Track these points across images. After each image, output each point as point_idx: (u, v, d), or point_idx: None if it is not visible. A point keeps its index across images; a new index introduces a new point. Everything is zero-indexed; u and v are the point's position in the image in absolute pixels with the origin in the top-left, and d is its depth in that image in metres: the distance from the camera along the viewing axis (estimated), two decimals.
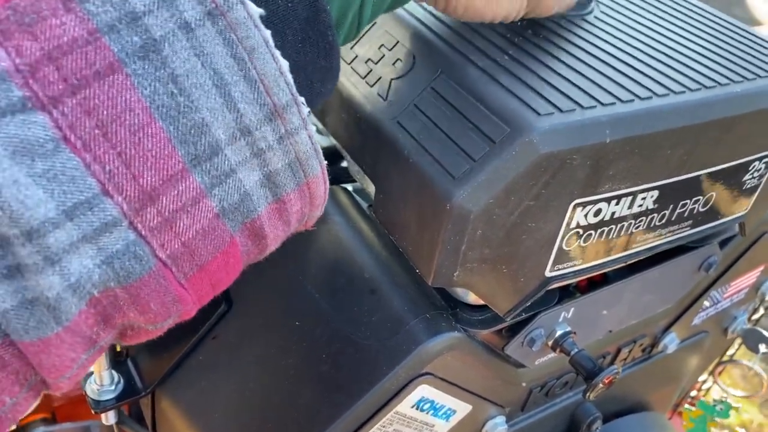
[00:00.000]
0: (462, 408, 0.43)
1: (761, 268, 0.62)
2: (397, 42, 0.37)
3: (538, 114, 0.31)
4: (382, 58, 0.37)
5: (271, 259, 0.44)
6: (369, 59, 0.38)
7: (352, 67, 0.38)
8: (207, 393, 0.44)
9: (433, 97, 0.34)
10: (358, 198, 0.47)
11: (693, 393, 0.80)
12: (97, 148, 0.19)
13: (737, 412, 1.51)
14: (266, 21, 0.22)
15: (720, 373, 0.74)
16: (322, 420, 0.38)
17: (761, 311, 0.76)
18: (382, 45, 0.38)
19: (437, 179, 0.32)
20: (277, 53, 0.22)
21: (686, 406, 0.71)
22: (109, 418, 0.45)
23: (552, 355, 0.45)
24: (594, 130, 0.31)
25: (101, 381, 0.43)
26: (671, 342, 0.57)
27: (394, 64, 0.37)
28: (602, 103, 0.32)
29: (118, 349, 0.47)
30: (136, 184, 0.20)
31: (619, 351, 0.53)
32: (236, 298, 0.45)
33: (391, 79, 0.36)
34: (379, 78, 0.37)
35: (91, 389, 0.44)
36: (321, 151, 0.25)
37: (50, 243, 0.19)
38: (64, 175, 0.19)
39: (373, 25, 0.39)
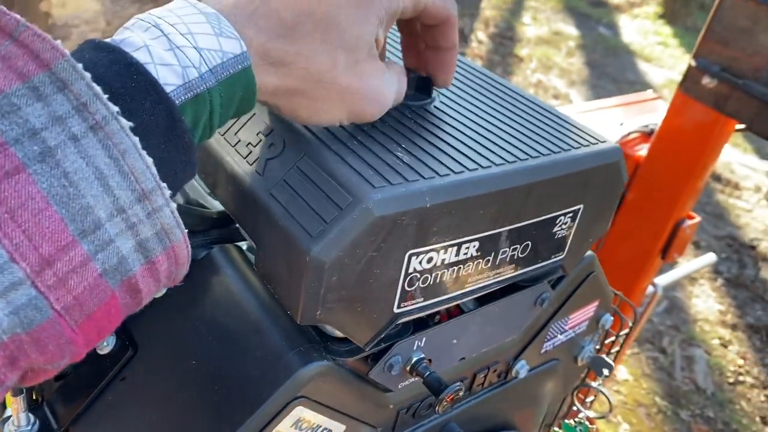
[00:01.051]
0: (337, 428, 0.51)
1: (596, 303, 0.74)
2: (272, 130, 0.47)
3: (374, 186, 0.41)
4: (259, 142, 0.47)
5: (172, 309, 0.52)
6: (249, 143, 0.47)
7: (236, 149, 0.48)
8: (116, 430, 0.51)
9: (298, 174, 0.44)
10: (248, 254, 0.55)
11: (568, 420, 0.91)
12: (6, 227, 0.25)
13: None
14: (135, 130, 0.29)
15: (583, 396, 0.86)
16: None
17: (620, 342, 0.88)
18: (260, 132, 0.47)
19: (299, 238, 0.41)
20: (144, 153, 0.29)
21: (554, 428, 0.82)
22: None
23: (412, 379, 0.54)
24: (416, 197, 0.42)
25: (18, 422, 0.49)
26: (522, 368, 0.68)
27: (269, 147, 0.46)
28: (423, 177, 0.43)
29: (34, 397, 0.53)
30: (37, 253, 0.26)
31: (475, 376, 0.63)
32: (141, 343, 0.52)
33: (267, 159, 0.46)
34: (257, 158, 0.46)
35: (9, 430, 0.49)
36: (182, 223, 0.32)
37: None
38: None
39: (253, 114, 0.49)
